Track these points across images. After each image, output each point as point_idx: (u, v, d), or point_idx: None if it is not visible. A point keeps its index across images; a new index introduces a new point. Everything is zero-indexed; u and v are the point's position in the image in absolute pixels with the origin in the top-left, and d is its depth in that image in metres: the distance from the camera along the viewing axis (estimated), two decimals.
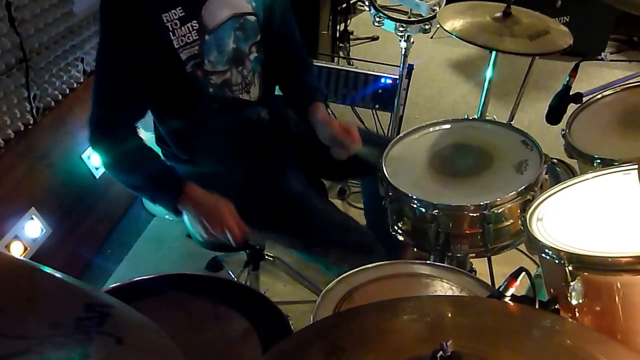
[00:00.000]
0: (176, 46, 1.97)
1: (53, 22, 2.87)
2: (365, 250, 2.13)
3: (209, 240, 2.06)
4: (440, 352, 0.96)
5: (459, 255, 2.10)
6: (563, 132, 2.17)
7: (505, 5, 2.66)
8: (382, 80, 3.22)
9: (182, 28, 1.97)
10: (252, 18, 2.13)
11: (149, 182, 2.04)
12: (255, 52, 2.18)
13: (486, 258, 2.73)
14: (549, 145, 2.14)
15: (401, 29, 2.89)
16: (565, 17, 4.71)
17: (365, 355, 1.08)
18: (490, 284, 1.92)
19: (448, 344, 0.96)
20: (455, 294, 1.67)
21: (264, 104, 2.26)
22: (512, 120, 3.34)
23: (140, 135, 2.09)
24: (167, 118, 2.19)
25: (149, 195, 2.10)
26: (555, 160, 2.15)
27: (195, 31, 1.99)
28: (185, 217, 2.06)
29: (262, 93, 2.25)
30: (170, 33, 1.95)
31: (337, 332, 1.16)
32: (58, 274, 0.85)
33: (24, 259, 0.79)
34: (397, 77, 3.12)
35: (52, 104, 2.94)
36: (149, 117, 2.17)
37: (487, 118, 2.68)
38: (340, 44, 4.66)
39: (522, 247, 2.19)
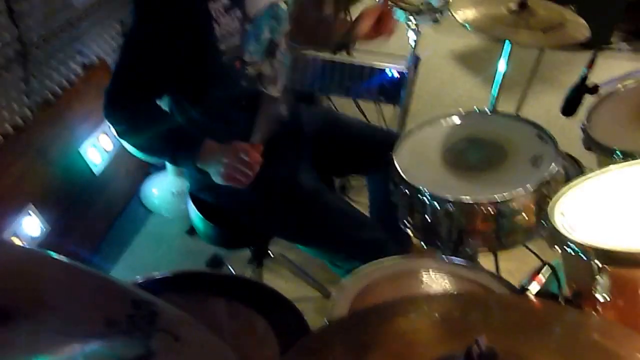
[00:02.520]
0: (218, 36, 1.96)
1: (52, 14, 2.87)
2: (378, 248, 2.15)
3: (232, 182, 2.04)
4: (475, 347, 0.98)
5: (468, 250, 2.10)
6: (582, 126, 2.18)
7: None
8: (388, 72, 3.22)
9: (226, 17, 1.96)
10: (283, 6, 2.15)
11: (168, 144, 2.06)
12: (284, 43, 2.21)
13: (492, 255, 2.76)
14: (556, 138, 2.16)
15: (411, 18, 2.89)
16: (571, 5, 4.70)
17: (392, 352, 1.09)
18: None
19: (482, 339, 0.98)
20: (472, 290, 1.69)
21: (284, 99, 2.29)
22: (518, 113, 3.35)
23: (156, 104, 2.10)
24: (190, 109, 2.19)
25: (169, 157, 2.15)
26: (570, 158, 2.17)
27: (238, 20, 1.99)
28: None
29: (284, 86, 2.28)
30: (214, 21, 1.94)
31: (361, 329, 1.18)
32: (101, 273, 0.87)
33: (68, 260, 0.79)
34: (404, 69, 3.12)
35: (51, 98, 2.94)
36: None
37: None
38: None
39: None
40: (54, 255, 0.90)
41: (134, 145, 2.08)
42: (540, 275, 1.43)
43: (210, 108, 2.17)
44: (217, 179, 2.04)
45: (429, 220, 2.09)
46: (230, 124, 2.20)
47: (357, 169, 2.74)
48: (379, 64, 3.24)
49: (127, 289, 0.89)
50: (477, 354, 0.97)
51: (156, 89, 2.07)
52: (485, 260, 2.71)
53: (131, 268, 3.27)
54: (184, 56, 1.97)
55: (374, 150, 2.41)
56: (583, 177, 1.67)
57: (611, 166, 1.68)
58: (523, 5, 2.66)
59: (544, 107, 3.99)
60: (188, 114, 2.20)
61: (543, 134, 2.18)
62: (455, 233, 2.06)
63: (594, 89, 2.05)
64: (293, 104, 2.39)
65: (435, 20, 2.89)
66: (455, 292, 1.67)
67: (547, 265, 1.43)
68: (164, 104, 2.18)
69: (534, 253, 3.00)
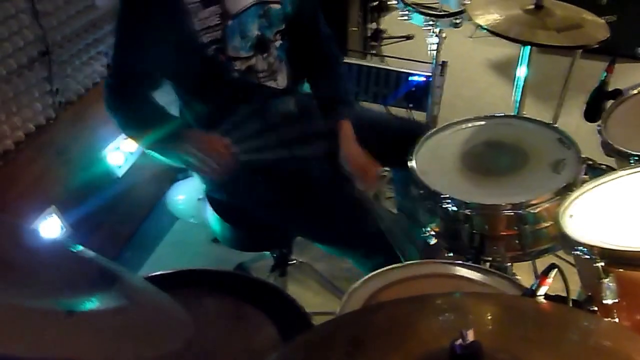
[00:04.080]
0: (197, 29, 2.04)
1: (76, 14, 2.92)
2: (399, 240, 2.15)
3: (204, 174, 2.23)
4: (460, 341, 0.97)
5: (499, 260, 2.10)
6: (598, 128, 2.17)
7: None
8: (415, 77, 3.21)
9: (204, 11, 2.04)
10: (276, 7, 2.19)
11: (159, 135, 2.17)
12: (280, 40, 2.23)
13: (531, 267, 2.71)
14: (599, 148, 2.13)
15: (430, 23, 2.89)
16: (612, 16, 4.67)
17: (387, 348, 1.09)
18: None
19: (468, 332, 0.97)
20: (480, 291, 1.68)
21: (292, 93, 2.31)
22: (555, 122, 3.33)
23: (153, 99, 2.21)
24: (194, 103, 2.26)
25: (160, 148, 2.23)
26: (604, 166, 2.14)
27: (217, 15, 2.06)
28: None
29: (289, 81, 2.30)
30: (192, 15, 2.02)
31: (359, 326, 1.18)
32: (73, 245, 0.92)
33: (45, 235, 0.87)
34: (431, 74, 3.12)
35: (75, 98, 2.97)
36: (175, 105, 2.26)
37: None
38: (373, 43, 4.68)
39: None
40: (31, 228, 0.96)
41: (137, 141, 2.32)
42: (549, 279, 1.41)
43: (212, 101, 2.23)
44: (191, 167, 2.23)
45: (450, 226, 2.09)
46: (234, 116, 2.23)
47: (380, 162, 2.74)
48: (405, 70, 3.24)
49: (95, 260, 0.93)
50: (460, 347, 0.97)
51: (148, 78, 2.17)
52: (524, 275, 2.68)
53: None
54: (165, 46, 2.06)
55: (396, 143, 2.37)
56: (596, 181, 1.66)
57: (620, 171, 1.66)
58: (539, 7, 2.66)
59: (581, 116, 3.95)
60: (195, 109, 2.28)
61: (564, 139, 2.16)
62: (477, 239, 2.05)
63: (616, 94, 2.04)
64: (305, 99, 2.40)
65: (455, 25, 2.89)
66: (465, 292, 1.65)
67: (555, 267, 1.41)
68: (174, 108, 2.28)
69: (571, 264, 2.97)
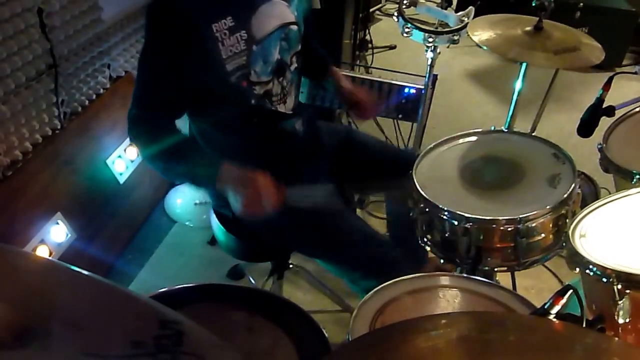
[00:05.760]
0: (224, 57, 1.93)
1: (82, 28, 2.90)
2: (394, 266, 2.11)
3: (249, 215, 1.97)
4: None
5: (486, 268, 2.06)
6: (600, 146, 2.15)
7: (537, 19, 2.64)
8: (407, 90, 3.18)
9: (231, 38, 1.93)
10: (294, 27, 2.11)
11: (189, 170, 2.04)
12: (295, 63, 2.16)
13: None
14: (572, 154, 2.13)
15: (430, 39, 2.87)
16: (584, 28, 4.69)
17: None
18: None
19: None
20: (491, 309, 1.65)
21: (298, 115, 2.25)
22: (533, 132, 3.32)
23: (177, 128, 2.07)
24: (203, 124, 2.17)
25: (189, 181, 2.14)
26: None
27: (243, 41, 1.96)
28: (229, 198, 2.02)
29: (295, 104, 2.23)
30: (219, 43, 1.91)
31: (380, 348, 1.14)
32: (129, 290, 0.81)
33: (100, 277, 0.72)
34: (421, 86, 3.08)
35: (79, 109, 2.96)
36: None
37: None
38: (360, 53, 4.64)
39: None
40: (84, 272, 0.84)
41: (158, 169, 2.06)
42: (563, 299, 1.37)
43: (222, 125, 2.14)
44: (235, 208, 1.98)
45: (448, 237, 2.05)
46: (243, 140, 2.18)
47: (376, 187, 2.71)
48: (397, 81, 3.21)
49: (154, 308, 0.82)
50: None
51: (173, 107, 2.04)
52: (503, 277, 2.67)
53: (154, 276, 3.25)
54: (192, 75, 1.95)
55: (392, 169, 2.36)
56: (604, 199, 1.62)
57: (632, 189, 1.63)
58: (538, 28, 2.64)
59: (557, 126, 3.96)
60: (204, 131, 2.19)
61: (559, 154, 2.14)
62: (474, 250, 2.01)
63: (610, 111, 2.02)
64: (310, 120, 2.34)
65: (454, 41, 2.86)
66: (476, 312, 1.61)
67: (570, 290, 1.37)
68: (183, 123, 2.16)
69: (550, 271, 2.98)
